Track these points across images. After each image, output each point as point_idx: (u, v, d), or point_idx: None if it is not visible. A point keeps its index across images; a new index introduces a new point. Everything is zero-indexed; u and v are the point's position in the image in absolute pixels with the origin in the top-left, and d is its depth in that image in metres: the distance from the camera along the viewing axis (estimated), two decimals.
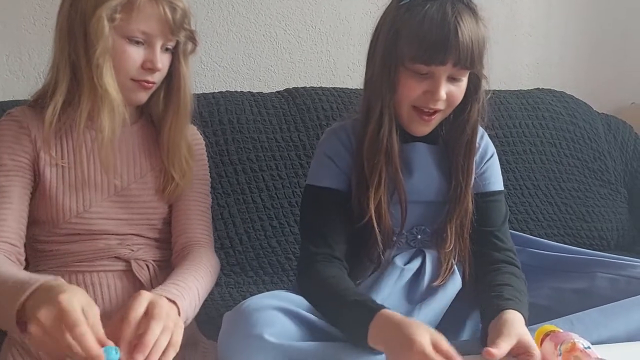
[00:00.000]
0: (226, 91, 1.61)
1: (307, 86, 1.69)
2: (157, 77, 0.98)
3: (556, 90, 1.88)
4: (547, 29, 2.05)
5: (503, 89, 1.84)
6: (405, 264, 1.02)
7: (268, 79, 1.80)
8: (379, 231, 0.98)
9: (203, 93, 1.59)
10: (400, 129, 1.01)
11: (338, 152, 1.02)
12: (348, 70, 1.84)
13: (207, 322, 1.13)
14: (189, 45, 1.00)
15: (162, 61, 0.97)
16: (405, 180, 1.01)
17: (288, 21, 1.81)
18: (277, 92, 1.66)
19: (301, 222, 1.09)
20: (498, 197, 1.07)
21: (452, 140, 1.03)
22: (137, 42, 0.94)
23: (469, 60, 0.93)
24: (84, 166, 0.97)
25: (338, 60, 1.86)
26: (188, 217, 1.05)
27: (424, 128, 1.00)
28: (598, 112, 1.90)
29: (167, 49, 0.98)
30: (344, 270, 0.98)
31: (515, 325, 0.86)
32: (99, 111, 0.94)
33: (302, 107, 1.61)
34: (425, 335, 0.77)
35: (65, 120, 0.97)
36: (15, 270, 0.85)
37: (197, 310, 0.93)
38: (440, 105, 0.96)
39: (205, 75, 1.76)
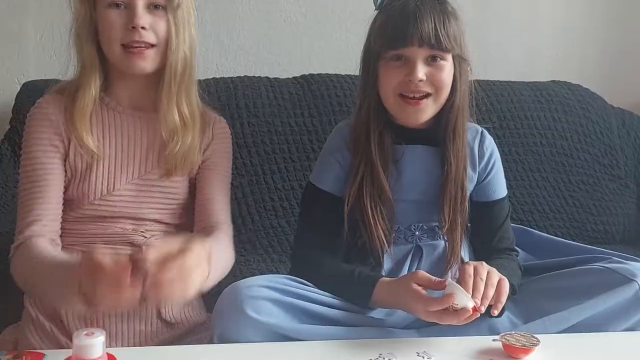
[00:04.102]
0: (244, 76, 1.67)
1: (323, 73, 1.73)
2: (147, 37, 0.97)
3: (572, 83, 1.88)
4: (569, 20, 2.03)
5: (519, 81, 1.85)
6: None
7: (287, 63, 1.85)
8: (365, 229, 1.03)
9: (222, 77, 1.66)
10: (401, 130, 1.05)
11: (340, 149, 1.08)
12: None
13: (217, 295, 1.21)
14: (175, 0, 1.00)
15: (145, 19, 0.97)
16: (404, 179, 1.06)
17: (308, 6, 1.85)
18: (293, 78, 1.72)
19: (300, 219, 1.14)
20: (502, 205, 1.12)
21: (440, 128, 1.06)
22: (118, 6, 0.97)
23: (435, 39, 0.98)
24: (113, 150, 1.02)
25: (356, 46, 1.88)
26: (210, 202, 1.07)
27: (415, 115, 1.03)
28: (613, 107, 1.88)
29: (156, 7, 0.99)
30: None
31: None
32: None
33: (316, 93, 1.66)
34: (412, 275, 0.94)
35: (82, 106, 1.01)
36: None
37: (213, 282, 0.94)
38: (423, 87, 1.00)
39: (226, 58, 1.82)
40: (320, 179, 1.09)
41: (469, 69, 1.06)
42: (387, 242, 1.04)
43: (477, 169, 1.10)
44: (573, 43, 2.04)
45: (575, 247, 1.19)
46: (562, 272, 1.04)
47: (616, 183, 1.77)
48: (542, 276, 1.06)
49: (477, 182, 1.10)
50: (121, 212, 1.03)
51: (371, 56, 1.04)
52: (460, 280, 0.91)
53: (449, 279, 0.91)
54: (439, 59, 1.00)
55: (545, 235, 1.25)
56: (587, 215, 1.70)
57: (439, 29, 0.98)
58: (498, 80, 1.79)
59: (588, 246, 1.20)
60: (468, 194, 1.08)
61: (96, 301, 0.79)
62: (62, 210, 1.05)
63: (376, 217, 1.03)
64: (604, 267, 1.01)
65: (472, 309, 0.88)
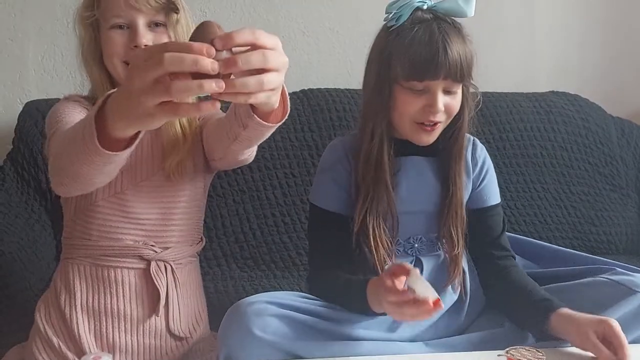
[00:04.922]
0: None
1: (322, 87, 1.75)
2: None
3: (570, 94, 1.88)
4: (566, 32, 2.05)
5: (517, 92, 1.86)
6: None
7: (286, 79, 1.83)
8: (372, 242, 1.03)
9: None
10: (398, 143, 1.07)
11: (335, 167, 1.09)
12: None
13: (222, 314, 1.21)
14: (173, 16, 1.03)
15: (147, 37, 1.01)
16: (401, 191, 1.07)
17: (307, 23, 1.87)
18: (293, 92, 1.72)
19: (308, 236, 1.16)
20: (497, 211, 1.13)
21: (447, 149, 1.08)
22: (120, 27, 1.01)
23: (459, 73, 0.99)
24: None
25: (355, 61, 1.90)
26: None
27: (428, 138, 1.05)
28: (612, 116, 1.89)
29: (157, 25, 1.02)
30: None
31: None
32: None
33: (315, 107, 1.67)
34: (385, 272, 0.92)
35: None
36: None
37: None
38: (440, 117, 1.02)
39: None
40: (319, 198, 1.10)
41: (479, 95, 1.08)
42: (389, 255, 1.05)
43: (472, 177, 1.11)
44: (570, 53, 2.05)
45: (577, 257, 1.20)
46: (567, 285, 1.04)
47: (617, 193, 1.77)
48: (548, 288, 1.06)
49: (471, 189, 1.12)
50: (127, 215, 1.04)
51: (386, 82, 1.02)
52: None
53: (413, 268, 0.88)
54: (455, 90, 1.02)
55: (547, 244, 1.26)
56: (589, 225, 1.70)
57: (463, 63, 0.99)
58: (497, 92, 1.80)
59: (590, 256, 1.20)
60: (464, 204, 1.09)
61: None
62: (71, 220, 1.07)
63: (380, 232, 1.04)
64: (609, 279, 1.01)
65: (433, 302, 0.85)
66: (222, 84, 0.60)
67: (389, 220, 1.06)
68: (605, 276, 1.02)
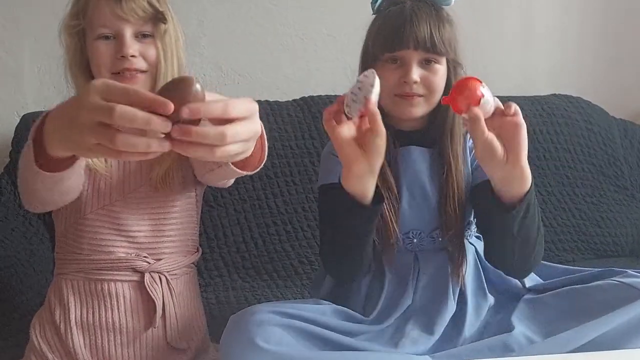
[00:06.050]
0: None
1: (323, 94, 1.74)
2: (138, 64, 1.00)
3: (572, 96, 1.87)
4: (565, 34, 2.04)
5: (519, 95, 1.85)
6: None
7: (286, 87, 1.85)
8: (385, 207, 1.01)
9: None
10: (394, 133, 1.05)
11: None
12: None
13: (223, 324, 1.19)
14: (161, 27, 1.02)
15: (134, 48, 1.00)
16: (400, 183, 1.05)
17: (304, 30, 1.86)
18: (293, 100, 1.72)
19: (319, 219, 1.12)
20: None
21: (438, 129, 1.07)
22: (107, 37, 1.00)
23: (430, 43, 1.01)
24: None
25: (354, 67, 1.89)
26: None
27: (410, 109, 1.04)
28: (615, 118, 1.88)
29: (144, 35, 1.01)
30: None
31: None
32: None
33: (316, 115, 1.66)
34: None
35: None
36: None
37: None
38: (417, 89, 1.03)
39: (225, 84, 1.82)
40: (327, 176, 1.06)
41: (463, 72, 1.07)
42: (395, 244, 1.03)
43: (468, 159, 1.09)
44: (571, 55, 2.04)
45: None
46: (578, 289, 1.02)
47: (622, 194, 1.76)
48: (558, 292, 1.04)
49: (470, 165, 1.09)
50: (117, 227, 1.03)
51: (369, 58, 1.07)
52: None
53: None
54: (433, 63, 1.03)
55: (556, 265, 1.21)
56: (594, 228, 1.69)
57: (434, 33, 1.01)
58: (498, 96, 1.79)
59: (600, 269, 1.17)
60: (465, 193, 1.06)
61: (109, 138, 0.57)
62: (62, 235, 1.06)
63: (391, 218, 1.02)
64: (619, 281, 0.99)
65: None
66: (168, 146, 0.57)
67: (390, 199, 1.04)
68: (616, 279, 1.01)
